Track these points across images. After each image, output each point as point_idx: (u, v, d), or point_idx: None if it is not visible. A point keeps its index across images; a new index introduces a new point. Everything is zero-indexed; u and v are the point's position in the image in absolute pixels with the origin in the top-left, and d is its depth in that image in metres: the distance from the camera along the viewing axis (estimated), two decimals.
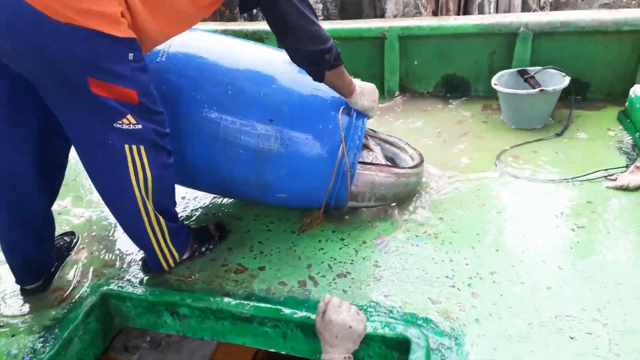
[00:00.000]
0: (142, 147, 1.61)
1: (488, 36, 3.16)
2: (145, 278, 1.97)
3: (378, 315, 1.72)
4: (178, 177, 1.94)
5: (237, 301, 1.75)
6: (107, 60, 1.45)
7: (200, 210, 2.41)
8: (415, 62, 3.39)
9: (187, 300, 1.78)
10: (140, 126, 1.57)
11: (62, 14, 1.33)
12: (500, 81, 2.96)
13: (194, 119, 1.91)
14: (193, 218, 2.36)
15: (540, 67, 2.94)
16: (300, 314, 1.68)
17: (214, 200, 2.47)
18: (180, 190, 2.51)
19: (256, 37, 3.48)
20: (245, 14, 4.74)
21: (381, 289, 1.84)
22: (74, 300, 1.89)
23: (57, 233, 2.04)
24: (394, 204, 2.27)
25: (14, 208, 1.73)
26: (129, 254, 2.13)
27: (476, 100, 3.34)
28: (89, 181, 1.81)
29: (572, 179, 2.34)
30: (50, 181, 1.85)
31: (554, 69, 2.89)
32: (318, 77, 1.81)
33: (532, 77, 2.95)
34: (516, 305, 1.72)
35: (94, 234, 2.29)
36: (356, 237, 2.13)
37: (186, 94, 1.91)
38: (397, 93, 3.44)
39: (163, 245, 1.85)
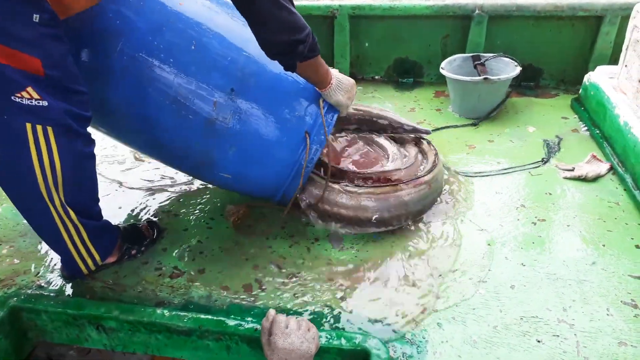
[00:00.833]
0: (49, 129, 1.36)
1: (442, 18, 3.03)
2: (66, 286, 1.72)
3: (333, 321, 1.56)
4: (109, 126, 1.70)
5: (173, 312, 1.54)
6: (6, 20, 1.22)
7: (129, 205, 2.15)
8: (367, 44, 3.23)
9: (114, 312, 1.55)
10: (46, 103, 1.33)
11: None
12: (451, 66, 2.83)
13: (143, 65, 1.61)
14: (121, 215, 2.09)
15: (494, 54, 2.84)
16: (246, 325, 1.49)
17: (147, 195, 2.21)
18: (104, 186, 2.25)
19: None
20: None
21: (336, 292, 1.68)
22: None
23: None
24: None
25: None
26: (46, 258, 1.85)
27: (428, 86, 3.22)
28: None
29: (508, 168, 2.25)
30: None
31: (507, 56, 2.80)
32: (289, 67, 1.60)
33: (483, 64, 2.85)
34: (480, 307, 1.60)
35: (2, 234, 1.99)
36: (307, 234, 1.95)
37: (141, 36, 1.60)
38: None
39: (80, 245, 1.60)
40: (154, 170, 2.38)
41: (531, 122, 2.70)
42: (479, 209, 2.05)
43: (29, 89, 1.30)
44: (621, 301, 1.60)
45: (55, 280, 1.74)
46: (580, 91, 2.77)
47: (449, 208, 2.06)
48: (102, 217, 1.70)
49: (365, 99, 3.06)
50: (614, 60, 2.66)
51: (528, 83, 3.11)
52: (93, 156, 1.55)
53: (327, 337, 1.43)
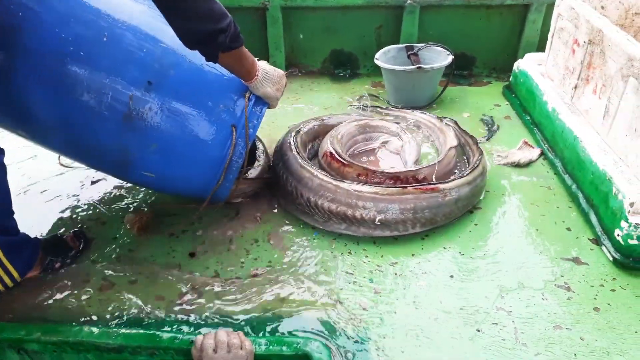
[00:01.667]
0: None
1: (374, 9, 3.02)
2: None
3: (274, 324, 1.52)
4: (24, 129, 1.58)
5: (102, 329, 1.44)
6: None
7: (52, 214, 2.01)
8: (301, 36, 3.17)
9: (35, 333, 1.43)
10: None
11: None
12: (386, 57, 2.83)
13: (51, 60, 1.50)
14: (44, 226, 1.95)
15: (425, 44, 2.86)
16: (182, 337, 1.41)
17: (71, 201, 2.07)
18: (22, 195, 2.09)
19: None
20: None
21: (276, 293, 1.63)
22: None
23: None
24: None
25: None
26: None
27: (365, 77, 3.21)
28: None
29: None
30: None
31: (439, 46, 2.82)
32: (210, 58, 1.51)
33: (416, 53, 2.86)
34: (420, 298, 1.60)
35: None
36: (247, 235, 1.88)
37: (47, 28, 1.48)
38: (283, 71, 3.19)
39: None
40: (79, 177, 2.23)
41: (466, 110, 2.75)
42: None
43: None
44: (555, 284, 1.64)
45: None
46: (510, 78, 2.83)
47: None
48: (18, 231, 1.57)
49: (304, 92, 3.01)
50: (541, 47, 2.74)
51: (461, 72, 3.15)
52: (3, 167, 1.42)
53: (266, 344, 1.37)
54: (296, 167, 1.95)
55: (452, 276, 1.68)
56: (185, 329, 1.51)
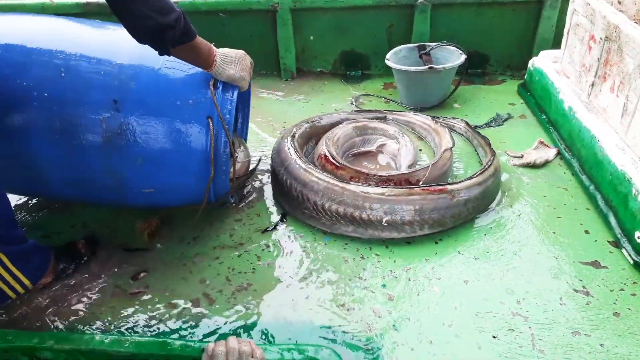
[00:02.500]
0: None
1: (385, 8, 2.98)
2: None
3: (285, 331, 1.50)
4: (24, 186, 1.62)
5: (113, 337, 1.43)
6: None
7: (63, 222, 2.00)
8: (311, 38, 3.14)
9: (48, 341, 1.43)
10: None
11: None
12: (397, 57, 2.79)
13: (24, 110, 1.57)
14: (54, 234, 1.95)
15: (437, 43, 2.81)
16: (194, 345, 1.40)
17: (81, 208, 2.06)
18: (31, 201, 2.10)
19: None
20: None
21: (288, 300, 1.61)
22: None
23: None
24: None
25: None
26: None
27: (377, 78, 3.17)
28: None
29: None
30: None
31: (451, 45, 2.78)
32: (162, 52, 1.52)
33: (428, 53, 2.81)
34: (434, 305, 1.57)
35: None
36: (257, 240, 1.87)
37: (11, 82, 1.55)
38: (293, 72, 3.18)
39: (3, 272, 1.49)
40: None
41: (479, 110, 2.70)
42: None
43: None
44: (574, 289, 1.60)
45: None
46: (525, 76, 2.78)
47: None
48: (25, 239, 1.58)
49: (315, 94, 2.99)
50: (556, 44, 2.68)
51: (475, 70, 3.10)
52: None
53: (277, 352, 1.36)
54: (300, 172, 1.93)
55: (466, 281, 1.65)
56: (196, 336, 1.49)
